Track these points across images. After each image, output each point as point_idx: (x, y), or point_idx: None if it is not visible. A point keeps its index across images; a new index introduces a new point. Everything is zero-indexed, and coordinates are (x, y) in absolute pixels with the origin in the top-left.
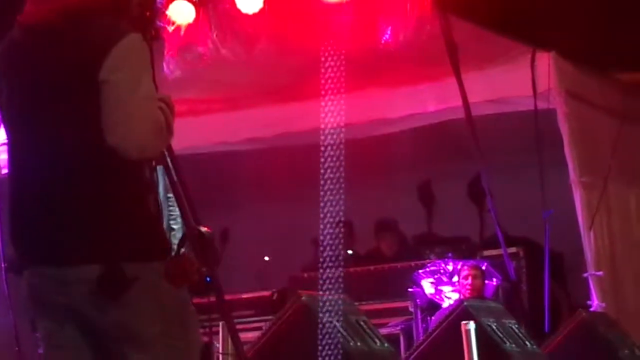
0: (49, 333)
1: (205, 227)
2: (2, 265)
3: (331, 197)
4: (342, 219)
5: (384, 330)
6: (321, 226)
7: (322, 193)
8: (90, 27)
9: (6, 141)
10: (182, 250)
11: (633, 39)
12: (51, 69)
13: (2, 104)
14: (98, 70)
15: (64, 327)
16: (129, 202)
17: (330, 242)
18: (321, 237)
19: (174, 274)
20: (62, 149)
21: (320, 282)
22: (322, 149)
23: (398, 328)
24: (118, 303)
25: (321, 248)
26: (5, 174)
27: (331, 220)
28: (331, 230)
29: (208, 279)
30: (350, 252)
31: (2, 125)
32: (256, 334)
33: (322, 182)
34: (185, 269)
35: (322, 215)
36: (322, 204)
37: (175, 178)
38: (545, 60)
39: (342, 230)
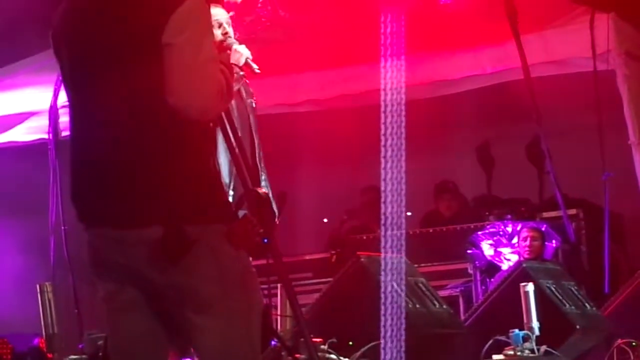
0: (111, 295)
1: (262, 189)
2: (63, 227)
3: (391, 159)
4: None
5: (443, 292)
6: (382, 187)
7: (382, 155)
8: None
9: (67, 103)
10: (240, 212)
11: None
12: (113, 32)
13: (63, 66)
14: (161, 33)
15: (126, 289)
16: (190, 164)
17: (394, 203)
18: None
19: (236, 237)
20: (124, 110)
21: (379, 243)
22: (382, 110)
23: (457, 290)
24: (179, 265)
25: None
26: (67, 135)
27: (391, 182)
28: (395, 191)
29: (265, 240)
30: (409, 213)
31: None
32: (315, 296)
33: (382, 143)
34: (247, 231)
35: (382, 177)
36: (382, 166)
37: (233, 141)
38: (605, 22)
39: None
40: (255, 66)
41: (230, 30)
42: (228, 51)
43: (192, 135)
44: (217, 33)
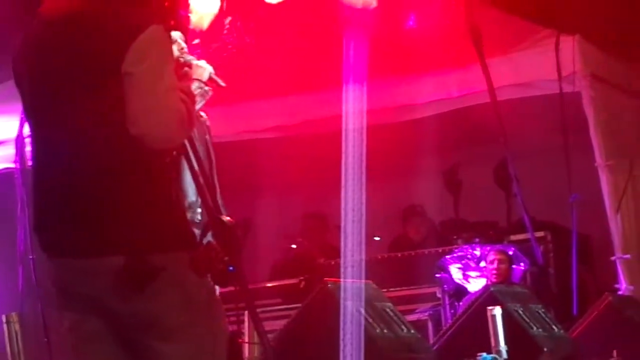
0: (75, 325)
1: (227, 216)
2: (31, 257)
3: (355, 185)
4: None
5: (412, 317)
6: (343, 213)
7: (345, 180)
8: (112, 18)
9: (29, 133)
10: (205, 239)
11: None
12: (72, 61)
13: (24, 96)
14: (121, 62)
15: (90, 319)
16: (152, 193)
17: (355, 229)
18: (343, 224)
19: (199, 264)
20: (84, 141)
21: (346, 269)
22: (346, 135)
23: (426, 314)
24: (143, 294)
25: (344, 235)
26: (30, 165)
27: (355, 207)
28: (355, 217)
29: (231, 268)
30: (377, 238)
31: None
32: (284, 322)
33: (345, 169)
34: (210, 258)
35: (342, 204)
36: (345, 192)
37: (196, 168)
38: (570, 44)
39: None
40: (219, 80)
41: (185, 46)
42: (186, 68)
43: (154, 164)
44: (174, 50)
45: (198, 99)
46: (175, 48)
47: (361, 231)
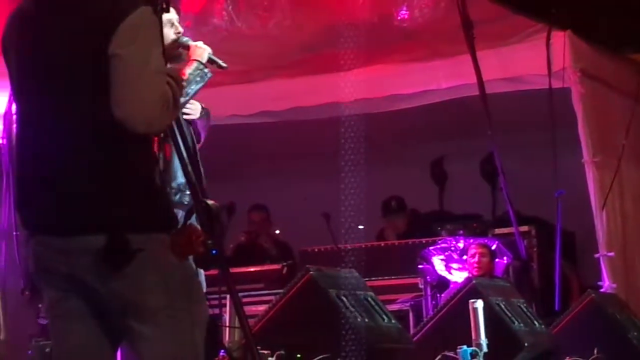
0: (54, 303)
1: (211, 200)
2: (15, 233)
3: (345, 172)
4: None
5: (393, 307)
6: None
7: (340, 167)
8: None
9: (15, 111)
10: (189, 222)
11: None
12: (60, 41)
13: (11, 74)
14: (108, 44)
15: (69, 297)
16: (135, 174)
17: (341, 216)
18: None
19: (178, 245)
20: (69, 120)
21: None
22: (341, 123)
23: (407, 305)
24: (122, 274)
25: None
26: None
27: (343, 194)
28: (346, 205)
29: (214, 251)
30: (361, 227)
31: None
32: (265, 307)
33: (338, 156)
34: (190, 240)
35: (341, 191)
36: (341, 180)
37: (183, 151)
38: (561, 39)
39: None
40: (220, 61)
41: (181, 29)
42: (181, 49)
43: (138, 146)
44: (170, 32)
45: (197, 79)
46: (171, 31)
47: (358, 220)
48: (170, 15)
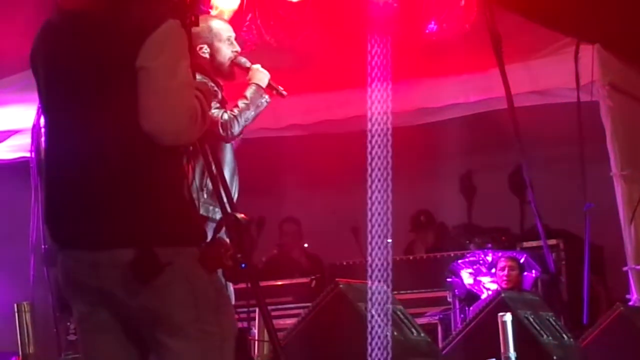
0: (83, 316)
1: (241, 213)
2: (44, 246)
3: (374, 186)
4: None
5: (421, 320)
6: (369, 214)
7: (368, 182)
8: (129, 12)
9: (44, 124)
10: (218, 236)
11: None
12: (89, 54)
13: (40, 88)
14: (136, 57)
15: (98, 311)
16: (164, 187)
17: (379, 231)
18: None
19: (207, 259)
20: (98, 134)
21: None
22: (369, 137)
23: (436, 318)
24: (150, 288)
25: (370, 236)
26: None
27: (373, 208)
28: (375, 219)
29: (243, 265)
30: (389, 240)
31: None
32: (294, 320)
33: (369, 170)
34: (219, 254)
35: (368, 205)
36: (370, 193)
37: (212, 165)
38: (589, 53)
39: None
40: (280, 88)
41: (238, 48)
42: (237, 69)
43: (166, 159)
44: (228, 50)
45: (258, 104)
46: (229, 49)
47: (387, 233)
48: (229, 33)
